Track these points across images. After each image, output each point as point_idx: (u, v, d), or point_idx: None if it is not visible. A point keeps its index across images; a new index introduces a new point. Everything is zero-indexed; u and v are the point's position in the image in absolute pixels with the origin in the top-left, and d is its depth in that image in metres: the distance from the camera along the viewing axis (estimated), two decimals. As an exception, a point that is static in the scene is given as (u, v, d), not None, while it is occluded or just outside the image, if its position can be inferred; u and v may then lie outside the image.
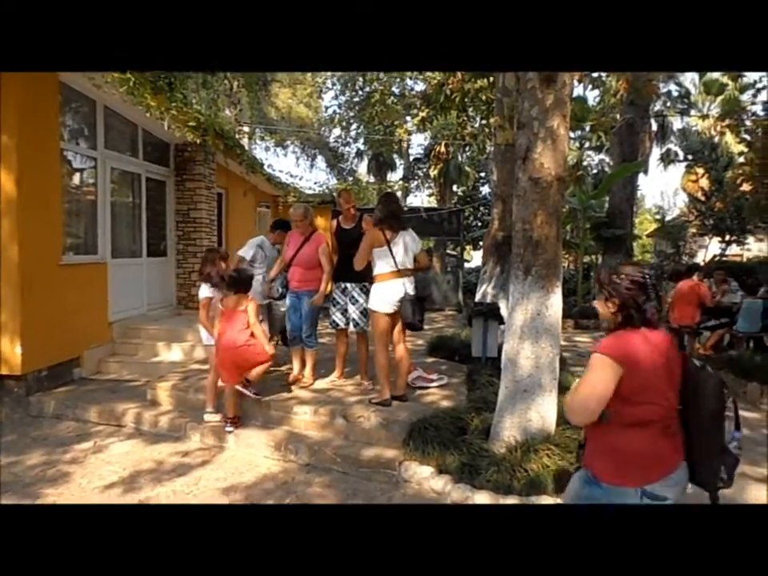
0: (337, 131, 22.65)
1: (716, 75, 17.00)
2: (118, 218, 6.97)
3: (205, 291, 4.77)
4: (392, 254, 4.46)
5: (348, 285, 5.08)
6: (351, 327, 5.11)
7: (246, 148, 13.51)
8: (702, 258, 16.53)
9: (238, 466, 4.09)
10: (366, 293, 5.07)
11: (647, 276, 1.99)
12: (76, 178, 6.50)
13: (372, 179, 25.65)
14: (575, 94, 9.55)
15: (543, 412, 3.68)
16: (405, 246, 4.55)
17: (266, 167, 11.13)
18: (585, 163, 19.39)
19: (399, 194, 25.68)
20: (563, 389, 4.70)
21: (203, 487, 3.73)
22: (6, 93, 4.85)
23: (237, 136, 13.44)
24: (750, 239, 16.15)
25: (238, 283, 4.48)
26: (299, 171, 30.49)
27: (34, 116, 5.14)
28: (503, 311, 5.66)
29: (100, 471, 3.95)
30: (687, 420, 1.93)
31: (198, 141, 7.15)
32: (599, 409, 1.85)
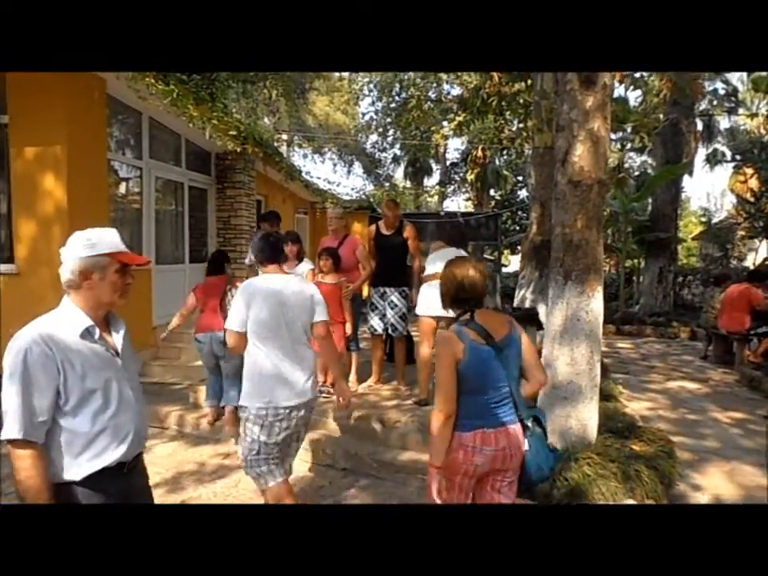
0: (374, 137, 22.84)
1: (765, 72, 16.38)
2: (162, 225, 7.18)
3: None
4: None
5: (387, 289, 5.09)
6: (390, 332, 5.12)
7: (285, 155, 13.72)
8: (751, 261, 15.93)
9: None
10: (405, 297, 5.08)
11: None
12: (122, 187, 6.73)
13: (409, 184, 25.69)
14: (616, 94, 9.35)
15: (584, 419, 3.60)
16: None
17: (303, 174, 11.28)
18: (627, 165, 18.96)
19: (435, 198, 25.65)
20: (605, 396, 4.60)
21: (242, 489, 3.78)
22: (57, 104, 5.07)
23: (275, 144, 13.68)
24: (804, 242, 15.46)
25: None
26: (336, 177, 30.73)
27: (83, 128, 5.35)
28: (542, 316, 5.57)
29: (144, 471, 4.07)
30: None
31: (238, 149, 7.29)
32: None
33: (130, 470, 1.80)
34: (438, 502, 2.19)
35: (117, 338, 1.81)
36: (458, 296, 2.26)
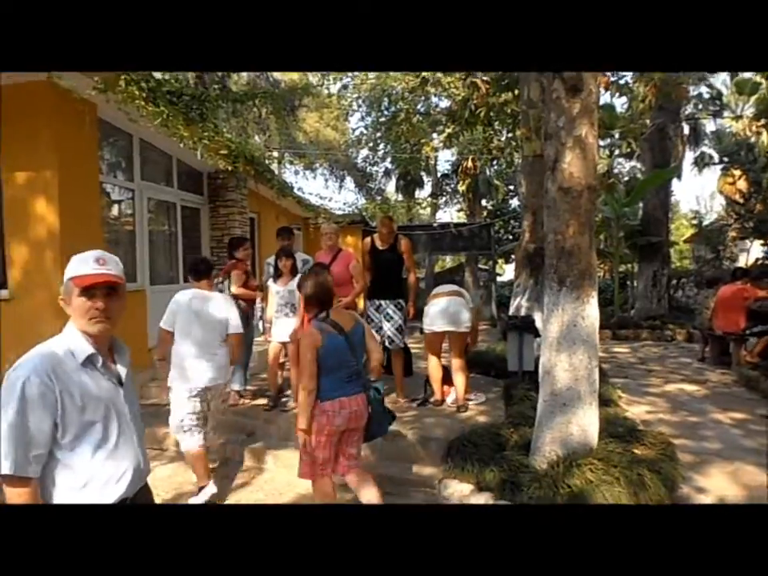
0: (364, 152, 22.89)
1: (748, 75, 16.62)
2: (155, 245, 7.18)
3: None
4: None
5: (382, 302, 5.09)
6: (386, 344, 5.11)
7: (276, 172, 13.77)
8: (743, 261, 16.02)
9: (277, 486, 4.11)
10: (401, 309, 5.09)
11: None
12: (115, 210, 6.73)
13: (401, 197, 25.78)
14: (602, 101, 9.46)
15: (584, 425, 3.59)
16: None
17: (295, 190, 11.30)
18: (616, 171, 19.10)
19: (428, 210, 25.76)
20: (604, 401, 4.59)
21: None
22: (47, 129, 5.08)
23: (267, 161, 13.72)
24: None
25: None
26: (328, 193, 30.69)
27: (74, 152, 5.36)
28: (538, 323, 5.58)
29: (144, 495, 4.02)
30: None
31: (230, 168, 7.32)
32: None
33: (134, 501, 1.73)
34: (305, 458, 3.10)
35: (120, 367, 1.75)
36: (317, 297, 3.13)
